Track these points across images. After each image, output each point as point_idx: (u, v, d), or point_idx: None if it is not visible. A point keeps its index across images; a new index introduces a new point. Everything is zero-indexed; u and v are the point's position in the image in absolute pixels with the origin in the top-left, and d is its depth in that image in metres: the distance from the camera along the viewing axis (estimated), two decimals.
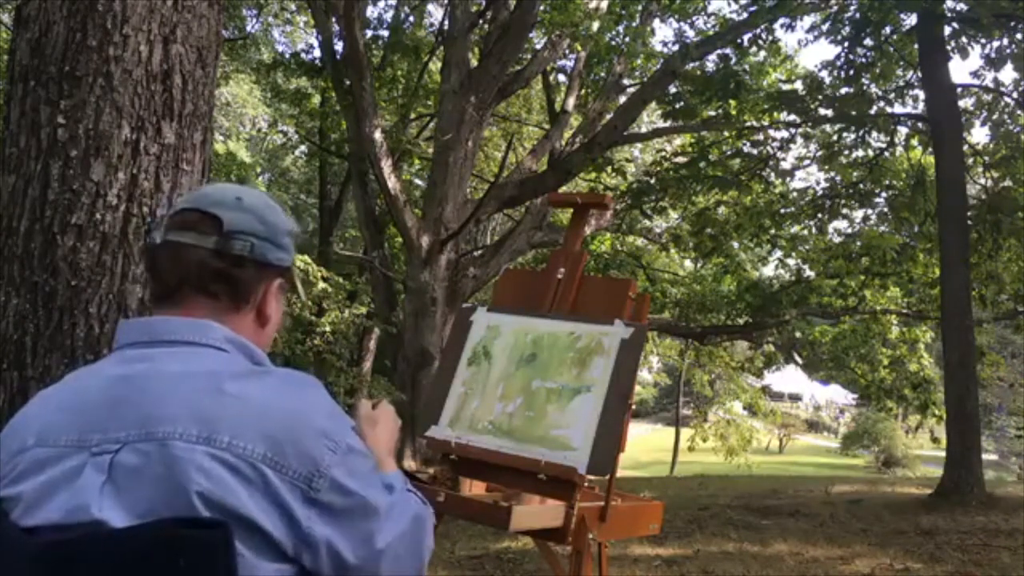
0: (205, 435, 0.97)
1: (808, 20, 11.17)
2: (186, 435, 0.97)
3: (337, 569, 1.02)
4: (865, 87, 10.28)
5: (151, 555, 0.92)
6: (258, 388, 1.05)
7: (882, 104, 10.37)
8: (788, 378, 25.58)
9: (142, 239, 2.07)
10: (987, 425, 19.61)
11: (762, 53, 11.19)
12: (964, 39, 9.17)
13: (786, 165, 11.79)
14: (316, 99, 13.91)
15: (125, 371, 1.07)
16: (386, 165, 9.82)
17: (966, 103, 10.59)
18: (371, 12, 13.39)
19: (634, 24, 11.00)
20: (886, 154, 11.25)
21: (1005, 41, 9.21)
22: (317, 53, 12.77)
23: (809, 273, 12.47)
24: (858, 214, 12.52)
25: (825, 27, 10.25)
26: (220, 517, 0.94)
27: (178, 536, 0.92)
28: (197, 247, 1.12)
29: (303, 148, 19.02)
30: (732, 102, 10.15)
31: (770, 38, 10.42)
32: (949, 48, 9.25)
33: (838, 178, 11.62)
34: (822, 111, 10.27)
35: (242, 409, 1.01)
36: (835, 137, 11.24)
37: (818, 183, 12.55)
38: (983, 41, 9.22)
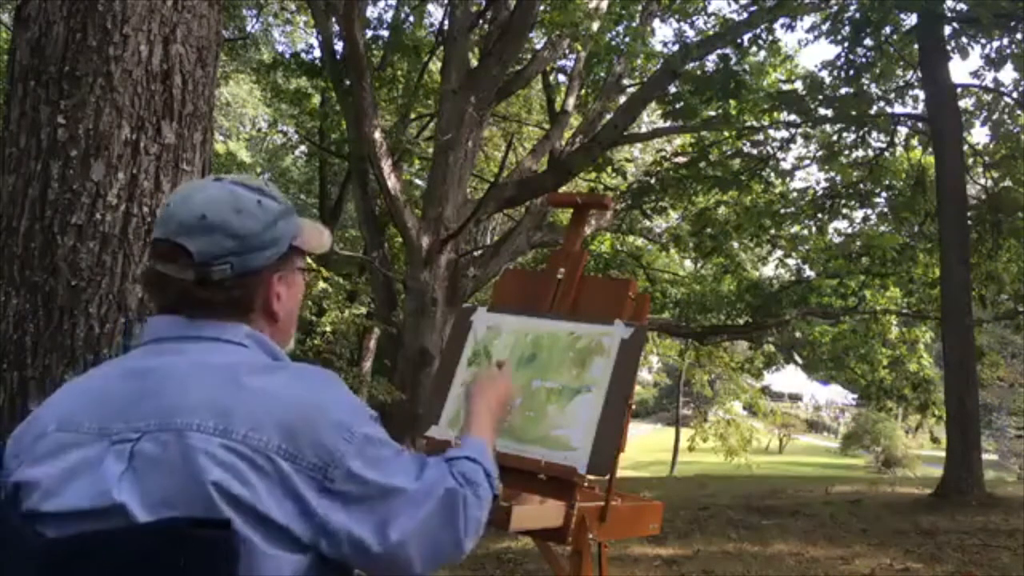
0: (222, 427, 0.99)
1: (808, 20, 11.19)
2: (203, 427, 0.99)
3: (360, 555, 1.04)
4: (865, 87, 10.27)
5: (154, 553, 0.94)
6: (275, 381, 1.07)
7: (882, 104, 10.37)
8: (788, 378, 25.52)
9: (142, 239, 2.07)
10: (987, 425, 19.62)
11: (762, 53, 11.17)
12: (964, 39, 9.17)
13: (786, 165, 11.81)
14: (316, 99, 13.88)
15: (149, 364, 1.09)
16: (386, 165, 9.80)
17: (966, 103, 10.60)
18: (371, 12, 13.36)
19: (634, 24, 10.99)
20: (886, 154, 11.25)
21: (1005, 41, 9.22)
22: (317, 53, 12.75)
23: (809, 273, 12.47)
24: (858, 214, 12.54)
25: (825, 27, 10.26)
26: (234, 508, 0.96)
27: (180, 535, 0.94)
28: (179, 279, 1.11)
29: (303, 148, 19.00)
30: (732, 102, 10.12)
31: (770, 38, 10.42)
32: (949, 48, 9.25)
33: (838, 178, 11.60)
34: (822, 111, 10.25)
35: (259, 402, 1.03)
36: (835, 137, 11.23)
37: (818, 183, 12.54)
38: (983, 41, 9.22)
